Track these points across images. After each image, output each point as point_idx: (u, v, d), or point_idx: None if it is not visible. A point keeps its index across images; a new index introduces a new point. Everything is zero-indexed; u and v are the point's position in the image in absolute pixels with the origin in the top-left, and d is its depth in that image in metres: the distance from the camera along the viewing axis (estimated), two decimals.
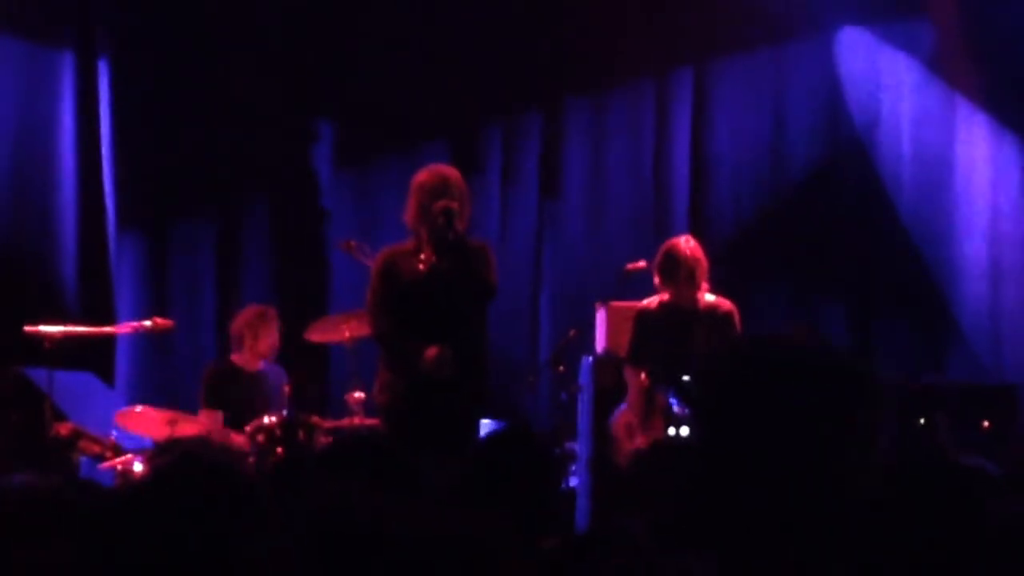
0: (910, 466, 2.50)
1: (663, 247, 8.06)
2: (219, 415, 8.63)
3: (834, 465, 1.98)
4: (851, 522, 1.99)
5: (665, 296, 8.04)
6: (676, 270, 7.91)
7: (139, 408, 8.45)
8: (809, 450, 1.98)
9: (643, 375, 8.04)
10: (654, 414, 7.93)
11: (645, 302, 8.17)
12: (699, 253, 7.98)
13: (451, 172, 7.28)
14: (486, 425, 7.97)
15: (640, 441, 7.96)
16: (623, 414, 8.15)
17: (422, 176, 7.21)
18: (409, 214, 7.20)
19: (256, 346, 8.84)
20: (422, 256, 7.08)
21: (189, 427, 8.40)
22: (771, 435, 1.98)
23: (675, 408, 7.78)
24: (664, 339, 7.93)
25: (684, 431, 7.63)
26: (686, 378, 7.65)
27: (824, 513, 1.98)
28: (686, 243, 8.04)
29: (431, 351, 7.00)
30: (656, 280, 8.03)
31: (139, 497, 2.68)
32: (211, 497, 2.63)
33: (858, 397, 2.01)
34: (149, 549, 2.58)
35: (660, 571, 2.39)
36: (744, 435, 2.00)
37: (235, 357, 8.90)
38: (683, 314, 7.94)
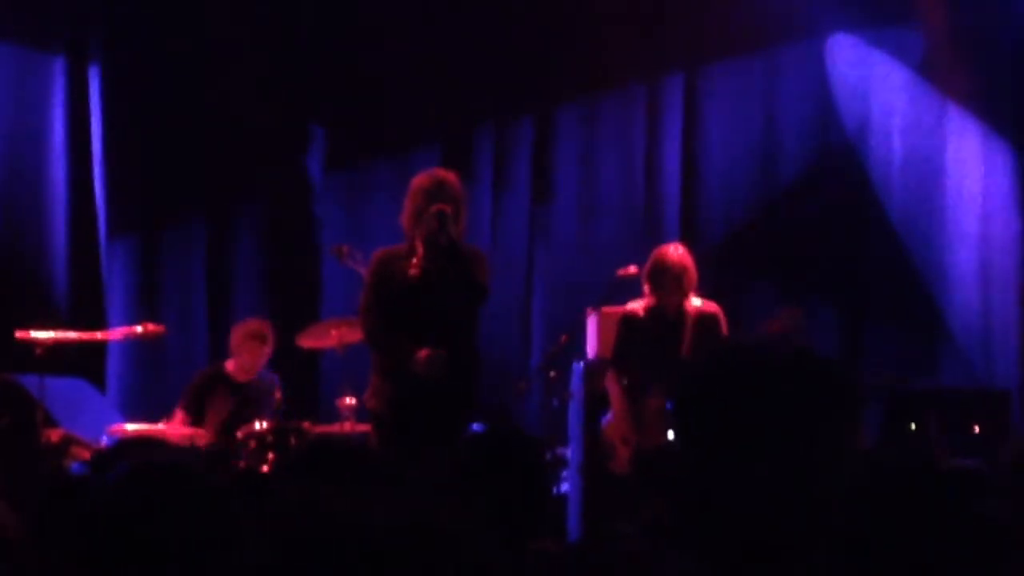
0: (897, 467, 2.52)
1: (652, 255, 8.06)
2: (188, 418, 8.68)
3: (810, 465, 2.00)
4: (834, 521, 2.01)
5: (652, 300, 8.04)
6: (664, 279, 7.91)
7: (130, 427, 8.45)
8: (785, 451, 2.00)
9: (625, 381, 8.04)
10: (646, 417, 7.92)
11: (631, 306, 8.17)
12: (688, 261, 7.98)
13: (448, 176, 7.27)
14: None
15: (633, 446, 7.97)
16: (614, 424, 8.14)
17: (419, 179, 7.23)
18: (404, 217, 7.20)
19: (242, 360, 8.88)
20: (414, 260, 7.08)
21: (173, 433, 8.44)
22: (748, 436, 2.00)
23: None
24: (650, 344, 7.93)
25: None
26: None
27: (804, 512, 1.99)
28: (675, 251, 8.03)
29: (422, 353, 7.00)
30: (645, 287, 8.04)
31: (97, 508, 2.68)
32: (167, 502, 2.64)
33: (832, 399, 2.03)
34: (110, 555, 2.58)
35: (651, 574, 2.40)
36: (721, 437, 2.02)
37: (229, 364, 8.93)
38: (669, 319, 7.94)
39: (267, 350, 8.91)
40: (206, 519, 2.63)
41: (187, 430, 8.56)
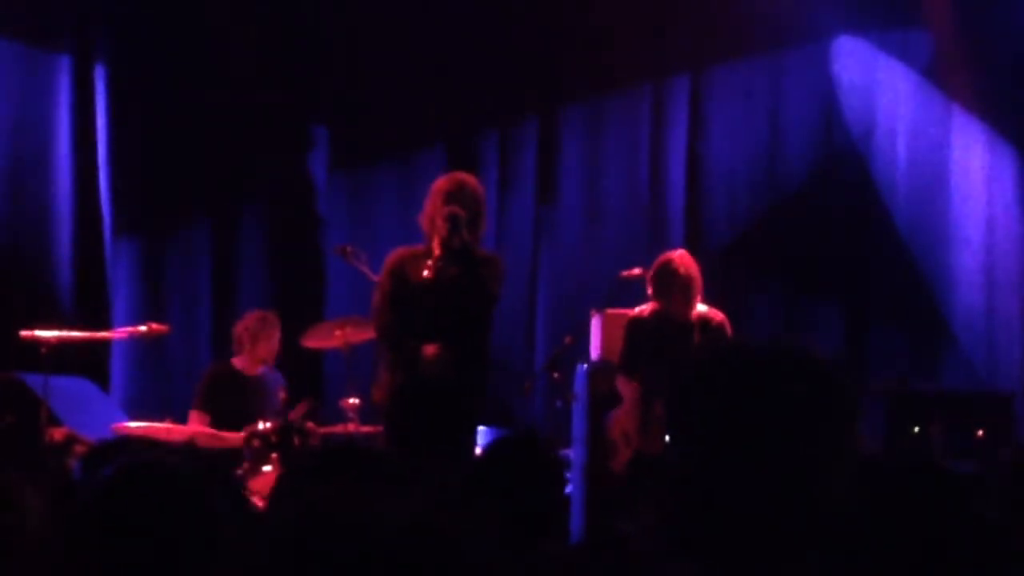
0: (893, 469, 2.52)
1: (657, 261, 8.06)
2: (206, 417, 8.68)
3: (810, 465, 2.00)
4: (833, 524, 2.01)
5: (657, 306, 8.04)
6: (670, 286, 7.91)
7: (134, 425, 8.46)
8: (784, 451, 2.00)
9: (636, 384, 8.04)
10: (651, 422, 7.92)
11: (637, 310, 8.17)
12: (693, 268, 7.97)
13: (468, 180, 7.31)
14: (483, 432, 7.97)
15: (637, 450, 7.97)
16: (619, 421, 8.14)
17: (440, 182, 7.26)
18: (423, 217, 7.23)
19: (255, 351, 8.87)
20: (429, 262, 7.10)
21: (181, 434, 8.45)
22: (748, 437, 2.01)
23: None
24: (656, 348, 7.93)
25: None
26: None
27: (805, 514, 2.00)
28: (680, 258, 8.02)
29: (429, 350, 7.01)
30: (650, 293, 8.05)
31: (87, 508, 2.68)
32: (157, 503, 2.64)
33: (831, 398, 2.04)
34: (101, 558, 2.58)
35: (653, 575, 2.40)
36: (721, 437, 2.02)
37: (236, 360, 8.94)
38: (675, 324, 7.93)
39: (278, 333, 8.92)
40: (191, 519, 2.63)
41: (193, 429, 8.57)
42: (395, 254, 7.31)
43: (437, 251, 7.09)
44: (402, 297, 7.16)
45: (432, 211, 7.14)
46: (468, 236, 7.07)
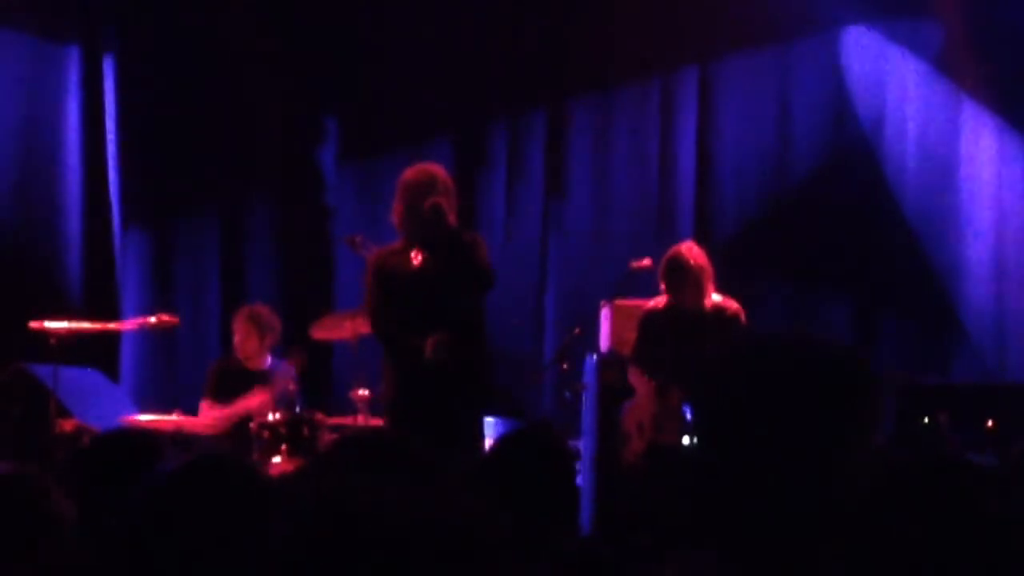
0: (911, 462, 2.51)
1: (667, 254, 8.04)
2: (215, 405, 8.71)
3: (832, 459, 2.00)
4: (850, 517, 2.01)
5: (671, 298, 8.03)
6: (681, 278, 7.90)
7: (144, 417, 8.48)
8: (807, 445, 2.00)
9: (649, 377, 8.03)
10: (666, 415, 7.91)
11: (652, 302, 8.16)
12: (703, 260, 7.95)
13: (436, 169, 7.33)
14: (491, 423, 7.96)
15: (651, 441, 7.97)
16: (633, 412, 8.14)
17: (409, 175, 7.25)
18: (397, 213, 7.23)
19: (237, 342, 8.91)
20: (412, 253, 7.10)
21: (194, 426, 8.48)
22: (769, 431, 2.00)
23: (688, 416, 7.75)
24: (670, 340, 7.92)
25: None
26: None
27: (822, 508, 1.99)
28: (689, 250, 8.00)
29: (430, 341, 7.01)
30: (661, 286, 8.04)
31: (160, 498, 2.68)
32: (227, 495, 2.64)
33: (856, 391, 2.03)
34: (167, 547, 2.59)
35: (663, 570, 2.40)
36: (741, 432, 2.02)
37: (240, 354, 8.96)
38: (689, 315, 7.92)
39: (260, 332, 8.86)
40: (256, 515, 2.63)
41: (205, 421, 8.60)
42: (374, 257, 7.32)
43: (418, 243, 7.09)
44: (392, 292, 7.16)
45: (407, 205, 7.14)
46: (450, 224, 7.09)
